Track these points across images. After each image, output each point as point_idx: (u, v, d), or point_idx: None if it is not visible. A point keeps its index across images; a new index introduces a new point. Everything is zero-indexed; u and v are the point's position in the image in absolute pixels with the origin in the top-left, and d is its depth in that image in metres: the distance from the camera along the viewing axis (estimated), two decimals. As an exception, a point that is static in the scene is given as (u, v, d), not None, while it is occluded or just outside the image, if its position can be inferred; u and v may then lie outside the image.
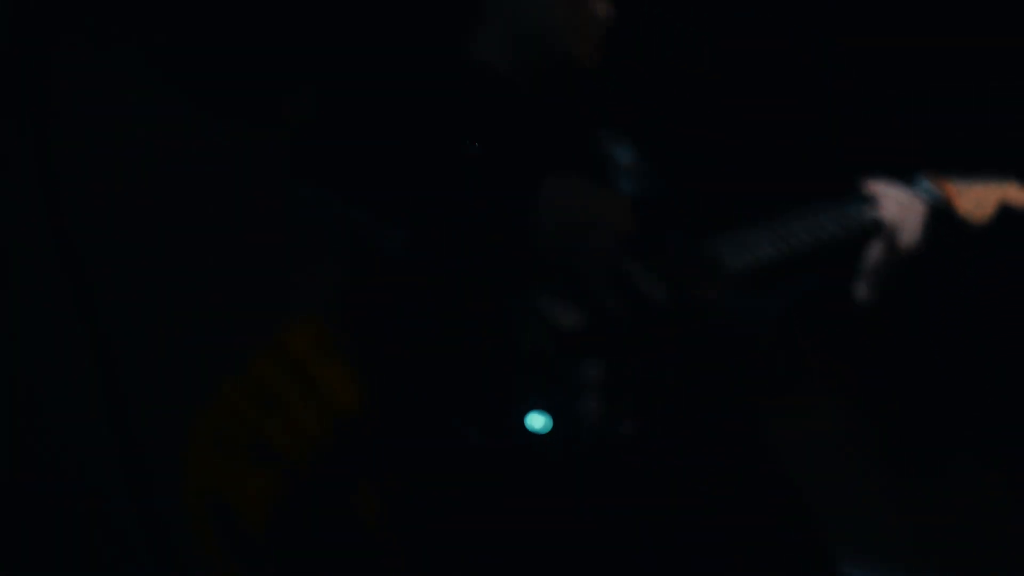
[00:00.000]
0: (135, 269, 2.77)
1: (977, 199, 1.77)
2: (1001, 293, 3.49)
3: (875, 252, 1.55)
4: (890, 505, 4.26)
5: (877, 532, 4.22)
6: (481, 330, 1.25)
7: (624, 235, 1.25)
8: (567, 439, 1.16)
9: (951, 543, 4.29)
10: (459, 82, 1.60)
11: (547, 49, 1.66)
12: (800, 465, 4.29)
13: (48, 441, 2.47)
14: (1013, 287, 3.39)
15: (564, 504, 1.21)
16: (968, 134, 3.18)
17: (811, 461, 4.16)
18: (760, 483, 1.44)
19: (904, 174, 1.73)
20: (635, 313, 1.27)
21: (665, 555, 1.32)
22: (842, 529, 4.17)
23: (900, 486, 4.27)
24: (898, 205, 1.55)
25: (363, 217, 1.34)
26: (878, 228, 1.55)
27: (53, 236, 2.67)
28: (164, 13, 2.99)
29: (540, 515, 1.21)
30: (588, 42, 1.66)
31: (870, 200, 1.57)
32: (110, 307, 2.67)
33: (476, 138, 1.45)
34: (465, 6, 1.71)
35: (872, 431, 4.32)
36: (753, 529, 1.39)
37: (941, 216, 1.69)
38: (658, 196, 1.57)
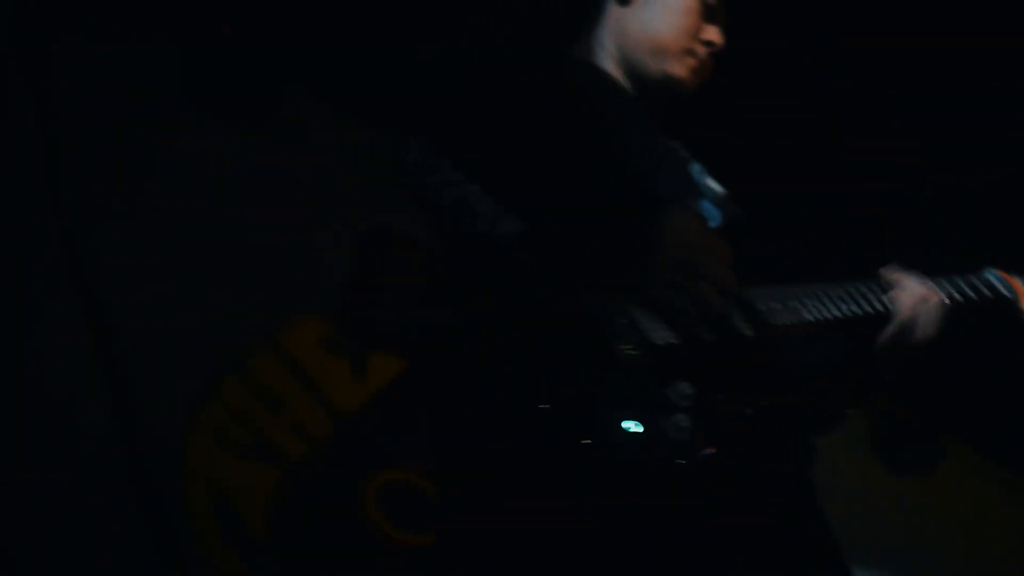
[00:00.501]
0: (137, 267, 2.77)
1: None
2: None
3: (884, 339, 1.55)
4: (886, 503, 4.27)
5: (873, 530, 4.22)
6: (577, 331, 1.27)
7: (728, 278, 1.28)
8: (653, 452, 1.19)
9: (948, 542, 4.30)
10: (578, 82, 1.65)
11: (647, 65, 1.70)
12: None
13: (51, 438, 2.47)
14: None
15: (628, 512, 1.22)
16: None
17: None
18: (806, 524, 1.46)
19: (974, 264, 1.72)
20: (725, 344, 1.30)
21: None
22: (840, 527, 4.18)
23: (895, 483, 4.28)
24: (912, 299, 1.54)
25: (482, 203, 1.35)
26: (887, 318, 1.54)
27: (57, 235, 2.68)
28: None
29: (599, 518, 1.22)
30: (688, 67, 1.70)
31: (885, 287, 1.56)
32: (114, 305, 2.67)
33: (599, 144, 1.51)
34: (578, 11, 1.76)
35: (868, 428, 4.33)
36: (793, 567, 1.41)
37: (1003, 310, 1.69)
38: (742, 228, 1.60)
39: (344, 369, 2.87)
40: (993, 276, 1.73)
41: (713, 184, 1.70)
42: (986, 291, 1.69)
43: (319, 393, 2.85)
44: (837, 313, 1.47)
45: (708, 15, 1.72)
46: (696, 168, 1.71)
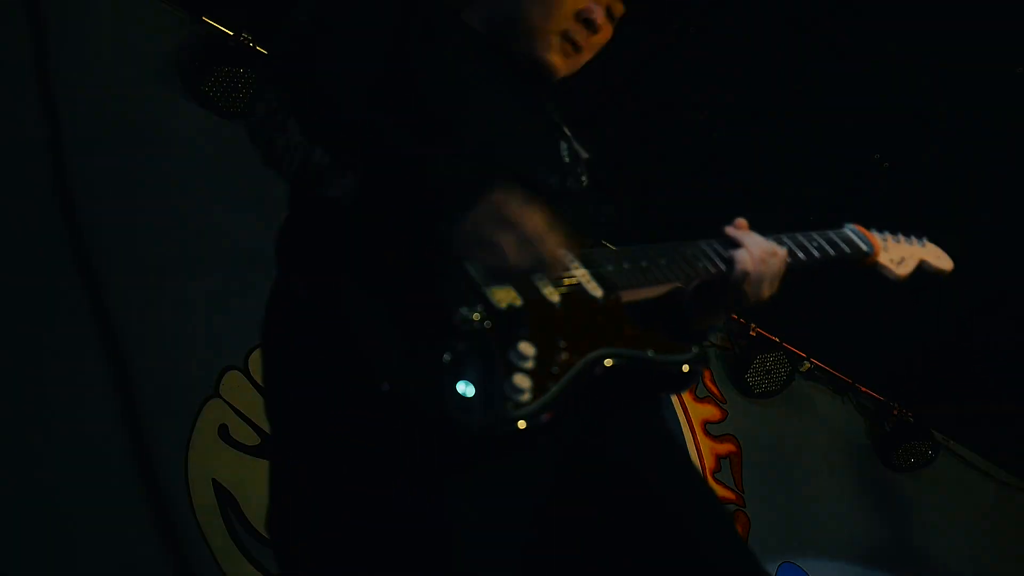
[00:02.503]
0: (140, 266, 2.78)
1: (902, 255, 1.78)
2: None
3: (724, 296, 1.53)
4: (882, 501, 4.27)
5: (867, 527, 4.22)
6: (417, 291, 1.25)
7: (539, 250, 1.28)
8: (487, 414, 1.17)
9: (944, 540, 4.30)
10: (447, 38, 1.52)
11: (516, 46, 1.57)
12: (798, 459, 4.27)
13: (54, 436, 2.47)
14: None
15: (463, 472, 1.22)
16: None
17: (811, 457, 4.17)
18: (665, 473, 1.45)
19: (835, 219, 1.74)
20: (567, 304, 1.29)
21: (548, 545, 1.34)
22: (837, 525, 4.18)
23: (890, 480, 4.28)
24: (755, 256, 1.52)
25: (322, 157, 1.32)
26: (726, 276, 1.52)
27: (63, 233, 2.69)
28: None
29: (436, 479, 1.21)
30: (561, 51, 1.55)
31: (729, 245, 1.54)
32: (117, 303, 2.69)
33: (449, 97, 1.43)
34: None
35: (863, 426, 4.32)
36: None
37: (858, 263, 1.71)
38: (586, 193, 1.57)
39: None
40: (851, 230, 1.73)
41: (577, 148, 1.62)
42: (843, 245, 1.68)
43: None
44: (676, 274, 1.45)
45: None
46: (560, 131, 1.62)
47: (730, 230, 1.53)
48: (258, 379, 2.81)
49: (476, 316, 1.22)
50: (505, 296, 1.26)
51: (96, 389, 2.59)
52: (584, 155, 1.62)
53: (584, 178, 1.58)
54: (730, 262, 1.50)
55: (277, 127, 1.37)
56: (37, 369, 2.54)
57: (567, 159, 1.57)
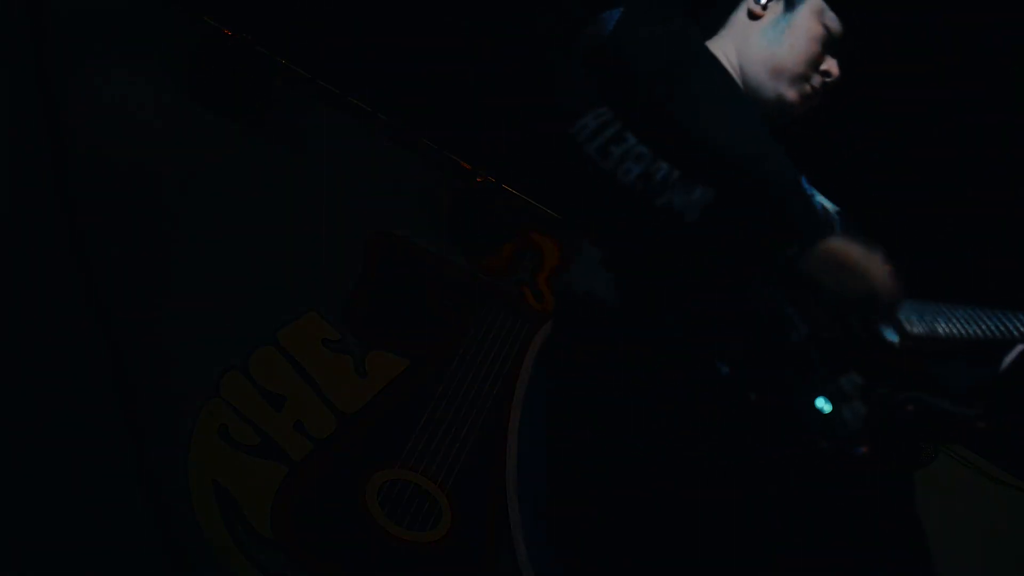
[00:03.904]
0: (141, 265, 2.78)
1: None
2: None
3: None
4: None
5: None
6: (752, 313, 1.35)
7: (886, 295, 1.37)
8: (830, 435, 1.24)
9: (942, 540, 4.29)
10: None
11: (763, 83, 1.73)
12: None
13: (55, 437, 2.48)
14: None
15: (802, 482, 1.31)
16: None
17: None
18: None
19: None
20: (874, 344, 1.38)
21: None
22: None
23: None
24: None
25: (670, 171, 1.42)
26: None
27: (63, 233, 2.69)
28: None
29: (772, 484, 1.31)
30: (801, 93, 1.73)
31: None
32: (118, 304, 2.69)
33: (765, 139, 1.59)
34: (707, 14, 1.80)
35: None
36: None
37: None
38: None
39: (346, 368, 2.88)
40: None
41: (824, 201, 1.74)
42: None
43: (321, 392, 2.86)
44: (975, 332, 1.51)
45: (829, 46, 1.74)
46: (805, 182, 1.76)
47: None
48: (258, 379, 2.82)
49: (802, 341, 1.31)
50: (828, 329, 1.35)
51: (96, 389, 2.59)
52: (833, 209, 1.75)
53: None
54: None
55: (613, 139, 1.49)
56: (37, 369, 2.55)
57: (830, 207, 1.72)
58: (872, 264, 1.37)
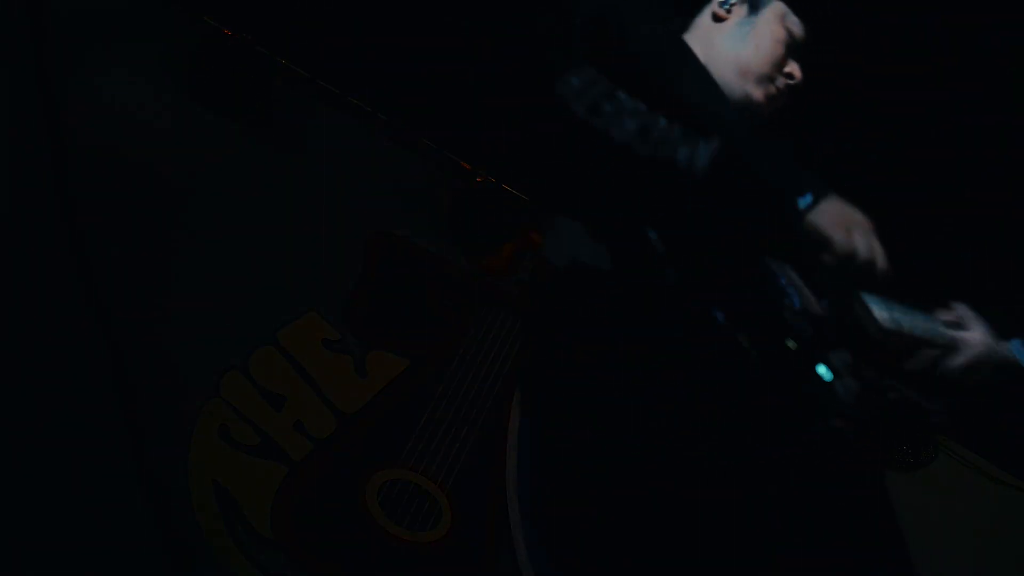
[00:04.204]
0: (140, 265, 2.78)
1: None
2: None
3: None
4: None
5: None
6: (753, 279, 1.38)
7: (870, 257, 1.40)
8: (820, 405, 1.26)
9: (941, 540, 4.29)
10: None
11: (729, 83, 1.78)
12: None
13: (54, 437, 2.48)
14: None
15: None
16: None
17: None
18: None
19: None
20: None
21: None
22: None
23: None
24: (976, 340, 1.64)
25: (672, 132, 1.46)
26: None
27: (63, 233, 2.69)
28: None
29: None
30: (767, 94, 1.78)
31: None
32: (117, 303, 2.69)
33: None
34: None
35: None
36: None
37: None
38: None
39: (346, 368, 2.88)
40: None
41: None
42: None
43: (321, 392, 2.86)
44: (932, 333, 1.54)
45: (792, 49, 1.79)
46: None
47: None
48: (259, 379, 2.82)
49: (798, 316, 1.33)
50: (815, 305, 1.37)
51: (96, 389, 2.60)
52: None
53: None
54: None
55: (603, 95, 1.55)
56: (37, 369, 2.55)
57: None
58: (871, 232, 1.39)
